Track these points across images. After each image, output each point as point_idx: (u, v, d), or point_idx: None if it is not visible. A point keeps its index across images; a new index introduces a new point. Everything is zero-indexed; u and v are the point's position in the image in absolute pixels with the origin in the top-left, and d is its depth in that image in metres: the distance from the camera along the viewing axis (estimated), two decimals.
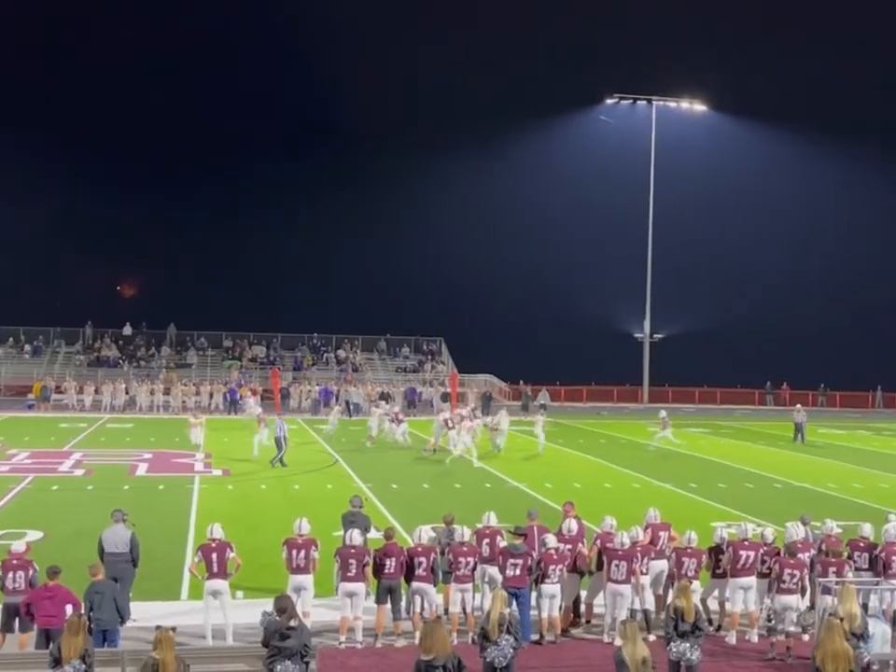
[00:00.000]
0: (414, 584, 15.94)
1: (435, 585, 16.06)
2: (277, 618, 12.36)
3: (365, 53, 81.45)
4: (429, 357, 74.55)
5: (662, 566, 16.80)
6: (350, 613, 15.64)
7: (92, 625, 13.40)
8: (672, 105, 76.74)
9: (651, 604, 16.58)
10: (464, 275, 78.27)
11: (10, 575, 14.52)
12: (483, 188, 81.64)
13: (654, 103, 76.30)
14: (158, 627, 11.59)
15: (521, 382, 68.38)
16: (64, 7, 77.69)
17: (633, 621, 12.50)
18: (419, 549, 16.10)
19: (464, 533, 16.49)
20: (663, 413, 44.36)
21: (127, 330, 73.41)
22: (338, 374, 68.36)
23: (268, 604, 13.32)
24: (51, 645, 12.54)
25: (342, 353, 73.69)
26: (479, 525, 17.16)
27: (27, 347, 70.62)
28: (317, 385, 60.97)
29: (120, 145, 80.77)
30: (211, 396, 58.06)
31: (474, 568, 16.12)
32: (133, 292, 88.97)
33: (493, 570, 16.42)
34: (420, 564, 15.93)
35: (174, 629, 11.59)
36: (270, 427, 36.63)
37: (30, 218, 76.16)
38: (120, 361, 69.37)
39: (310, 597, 15.88)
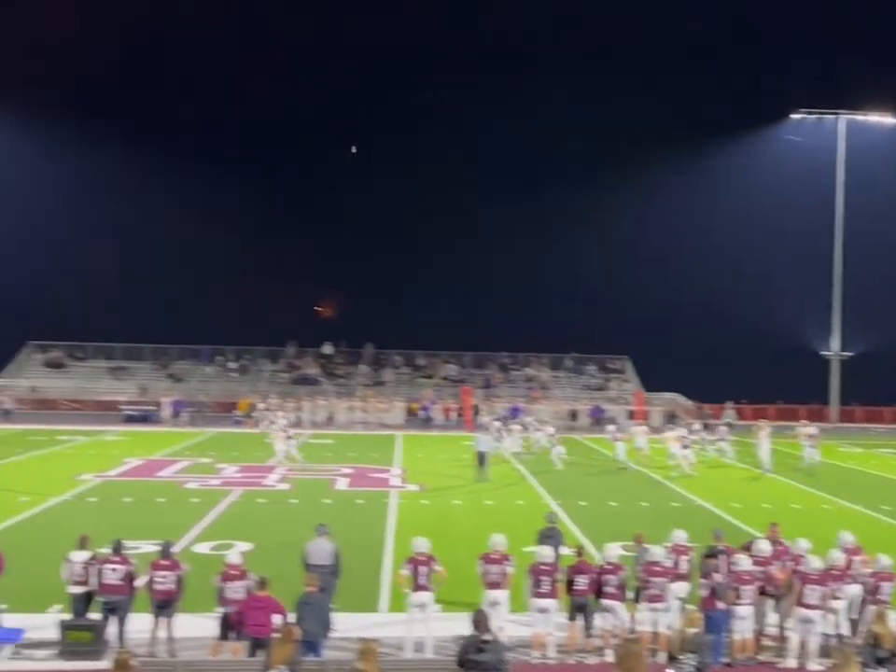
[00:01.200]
0: (605, 602, 15.80)
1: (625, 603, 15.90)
2: (474, 632, 12.40)
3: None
4: (614, 374, 74.01)
5: (855, 590, 16.25)
6: (542, 629, 15.59)
7: (301, 635, 13.68)
8: (860, 118, 74.64)
9: (846, 629, 16.04)
10: (649, 294, 77.42)
11: (229, 585, 14.92)
12: (669, 206, 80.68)
13: (841, 117, 74.50)
14: (361, 639, 11.76)
15: (703, 401, 67.18)
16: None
17: (846, 645, 12.08)
18: (609, 566, 15.96)
19: (655, 552, 16.27)
20: (811, 430, 42.90)
21: (327, 349, 75.00)
22: (526, 392, 68.40)
23: (464, 618, 13.38)
24: (261, 653, 12.86)
25: (529, 371, 73.78)
26: (668, 544, 16.93)
27: (234, 366, 72.89)
28: (506, 402, 61.19)
29: (324, 173, 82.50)
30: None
31: (665, 588, 15.89)
32: (331, 312, 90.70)
33: (680, 588, 16.16)
34: (610, 581, 15.79)
35: (376, 641, 11.74)
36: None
37: (236, 241, 78.48)
38: (321, 379, 70.92)
39: (505, 612, 15.88)
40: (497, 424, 43.79)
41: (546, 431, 43.31)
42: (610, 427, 43.55)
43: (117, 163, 75.05)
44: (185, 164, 76.49)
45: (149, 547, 19.64)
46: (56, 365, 71.71)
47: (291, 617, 13.99)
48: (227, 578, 14.98)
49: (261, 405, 56.94)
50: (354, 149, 56.11)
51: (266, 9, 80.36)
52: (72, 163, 73.95)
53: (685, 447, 38.58)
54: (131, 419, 57.75)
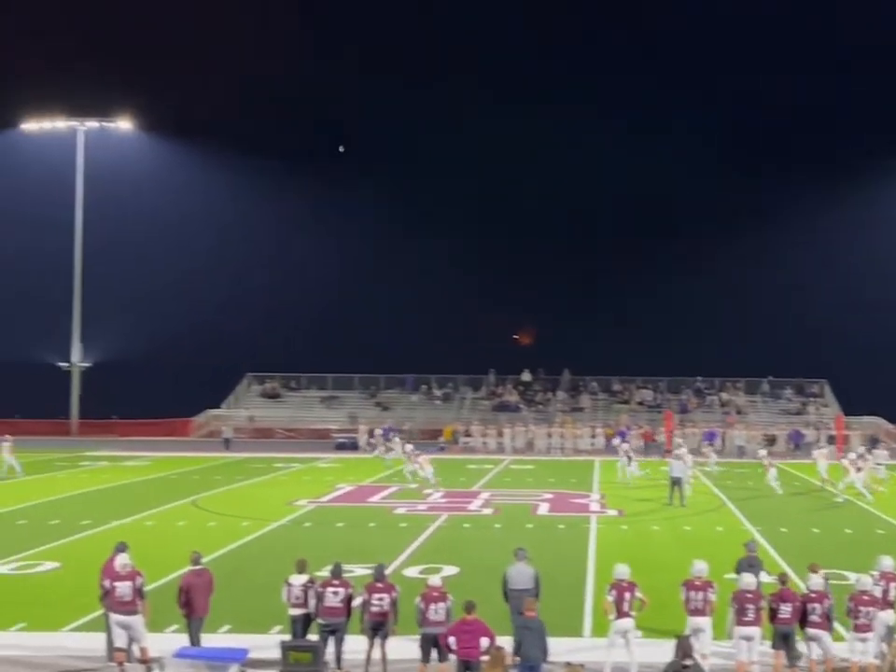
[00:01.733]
0: (809, 631, 15.39)
1: (829, 632, 15.44)
2: (676, 657, 12.28)
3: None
4: (812, 398, 71.88)
5: None
6: (746, 657, 15.28)
7: (519, 660, 13.76)
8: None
9: None
10: (847, 317, 74.97)
11: (432, 607, 15.14)
12: (867, 228, 78.14)
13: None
14: (567, 664, 11.79)
15: None
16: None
17: None
18: (814, 594, 15.54)
19: (864, 580, 15.75)
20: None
21: (526, 377, 75.28)
22: (721, 417, 67.12)
23: (663, 644, 13.25)
24: None
25: (725, 395, 72.36)
26: (875, 572, 16.36)
27: (438, 393, 73.88)
28: (703, 427, 60.17)
29: (524, 205, 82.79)
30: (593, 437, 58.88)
31: (873, 617, 15.35)
32: (529, 340, 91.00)
33: (888, 617, 15.60)
34: (814, 610, 15.37)
35: (582, 666, 11.75)
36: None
37: (437, 273, 79.69)
38: (520, 406, 71.19)
39: (708, 640, 15.63)
40: (684, 450, 43.04)
41: (758, 455, 42.31)
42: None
43: (325, 201, 77.24)
44: (385, 199, 78.07)
45: (362, 570, 20.08)
46: (272, 395, 74.08)
47: (500, 640, 14.07)
48: (428, 599, 15.18)
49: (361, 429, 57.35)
50: (341, 148, 55.88)
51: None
52: (281, 202, 76.59)
53: (858, 470, 36.98)
54: (341, 446, 59.13)
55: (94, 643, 16.54)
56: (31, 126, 71.10)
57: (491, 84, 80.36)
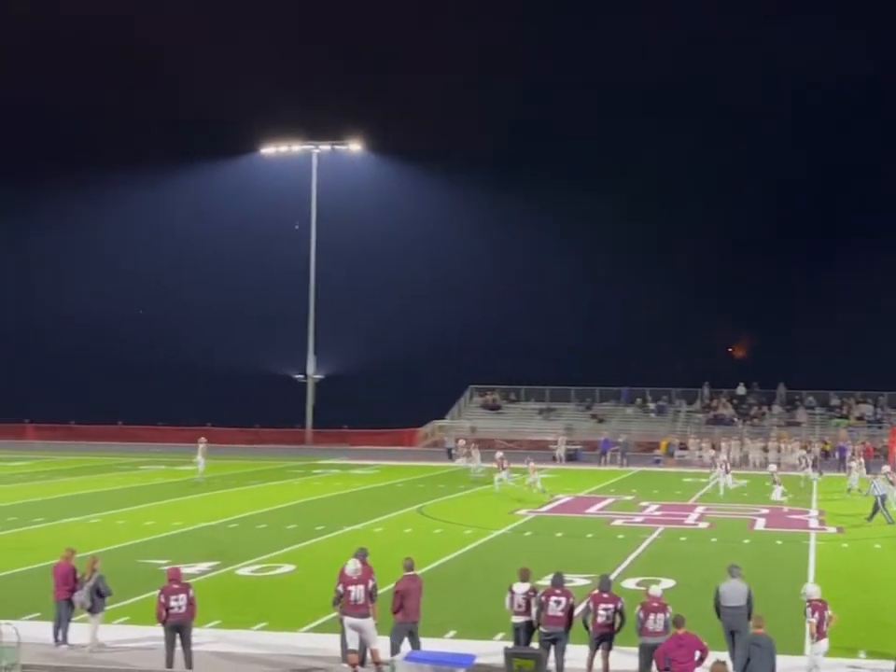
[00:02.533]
0: None
1: None
2: None
3: None
4: None
5: None
6: None
7: None
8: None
9: None
10: None
11: (651, 617, 14.98)
12: None
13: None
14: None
15: None
16: None
17: None
18: None
19: None
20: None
21: (740, 390, 73.59)
22: None
23: (885, 665, 12.77)
24: None
25: None
26: None
27: (653, 406, 73.03)
28: None
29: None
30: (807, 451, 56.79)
31: None
32: (743, 353, 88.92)
33: None
34: None
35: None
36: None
37: (654, 285, 78.75)
38: (735, 420, 69.62)
39: None
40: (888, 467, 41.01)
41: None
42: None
43: (540, 216, 77.54)
44: (598, 215, 77.59)
45: (581, 581, 20.09)
46: (493, 407, 74.79)
47: (715, 655, 13.86)
48: (648, 610, 15.06)
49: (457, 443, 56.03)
50: (297, 226, 55.10)
51: None
52: (500, 219, 77.23)
53: None
54: (560, 458, 59.13)
55: (329, 644, 17.13)
56: (269, 150, 74.04)
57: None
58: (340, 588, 16.35)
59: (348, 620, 16.14)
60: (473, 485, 44.52)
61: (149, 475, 46.09)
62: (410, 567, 16.86)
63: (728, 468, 41.96)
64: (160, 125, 78.91)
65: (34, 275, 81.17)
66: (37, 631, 17.46)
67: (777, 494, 38.07)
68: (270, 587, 22.50)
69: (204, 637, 17.04)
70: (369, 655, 16.21)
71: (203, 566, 23.75)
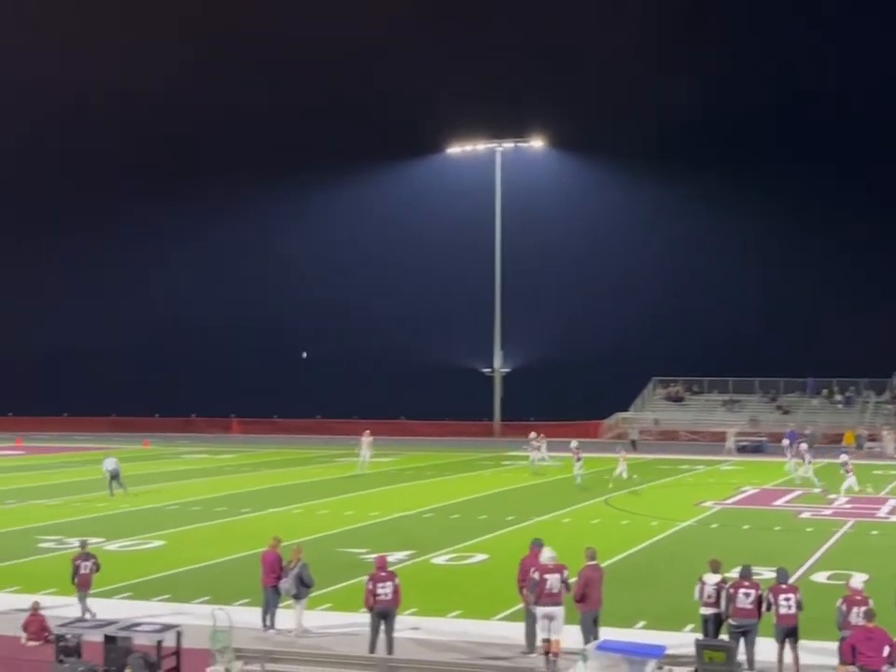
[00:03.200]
0: None
1: None
2: None
3: None
4: None
5: None
6: None
7: None
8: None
9: None
10: None
11: (854, 610, 14.24)
12: None
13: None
14: None
15: None
16: None
17: None
18: None
19: None
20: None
21: None
22: None
23: None
24: None
25: None
26: None
27: (839, 398, 70.52)
28: None
29: None
30: None
31: None
32: None
33: None
34: None
35: None
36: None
37: (840, 274, 76.08)
38: None
39: None
40: None
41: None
42: None
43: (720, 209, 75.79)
44: (789, 203, 75.30)
45: (769, 574, 19.57)
46: (676, 399, 73.61)
47: None
48: (851, 603, 14.52)
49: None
50: (305, 355, 52.54)
51: None
52: (686, 213, 75.83)
53: None
54: (743, 449, 57.81)
55: (514, 633, 17.20)
56: (455, 150, 74.68)
57: None
58: (536, 576, 16.34)
59: (543, 609, 16.14)
60: (658, 477, 43.89)
61: (347, 467, 47.17)
62: (592, 557, 16.75)
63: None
64: (343, 127, 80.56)
65: (234, 275, 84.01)
66: (248, 616, 18.13)
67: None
68: (463, 576, 22.76)
69: (403, 624, 17.36)
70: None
71: (400, 554, 24.19)
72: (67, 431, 70.29)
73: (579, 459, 40.38)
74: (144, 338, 79.81)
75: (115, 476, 37.60)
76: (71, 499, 35.86)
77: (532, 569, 16.55)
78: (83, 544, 20.19)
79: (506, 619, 18.61)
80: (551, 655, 15.94)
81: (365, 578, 17.28)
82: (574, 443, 42.29)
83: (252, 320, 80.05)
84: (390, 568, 17.13)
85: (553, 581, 16.12)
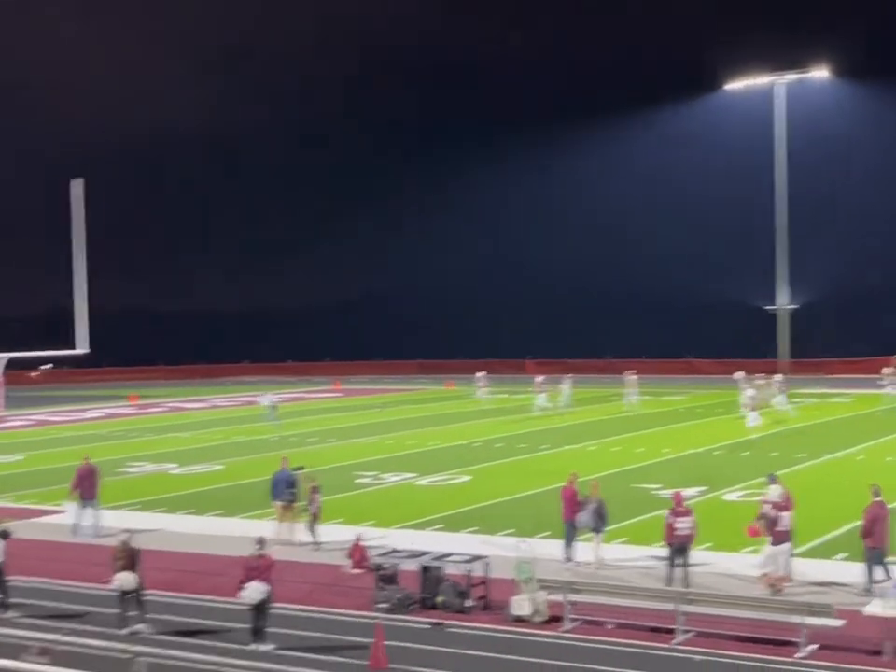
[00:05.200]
0: None
1: None
2: None
3: None
4: None
5: None
6: None
7: None
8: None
9: None
10: None
11: None
12: None
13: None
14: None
15: None
16: None
17: None
18: None
19: None
20: None
21: None
22: None
23: None
24: None
25: None
26: None
27: None
28: None
29: None
30: None
31: None
32: None
33: None
34: None
35: None
36: None
37: None
38: None
39: None
40: None
41: None
42: None
43: None
44: None
45: None
46: None
47: None
48: None
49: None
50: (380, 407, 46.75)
51: None
52: None
53: None
54: None
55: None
56: (734, 85, 71.48)
57: None
58: (771, 513, 16.36)
59: (780, 547, 16.14)
60: None
61: (638, 405, 46.81)
62: (877, 493, 16.26)
63: None
64: (624, 68, 78.85)
65: (526, 225, 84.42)
66: (549, 548, 18.46)
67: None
68: (755, 512, 22.19)
69: (697, 559, 17.18)
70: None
71: (692, 490, 23.86)
72: (378, 374, 73.53)
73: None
74: (451, 283, 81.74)
75: (273, 410, 42.64)
76: (385, 437, 37.56)
77: (766, 505, 16.65)
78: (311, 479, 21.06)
79: (801, 555, 18.02)
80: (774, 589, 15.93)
81: (663, 512, 17.24)
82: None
83: (548, 263, 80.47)
84: (686, 504, 17.03)
85: (786, 517, 16.11)
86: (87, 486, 21.94)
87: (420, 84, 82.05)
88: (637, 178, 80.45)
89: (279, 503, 20.65)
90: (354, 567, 18.41)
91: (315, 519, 20.28)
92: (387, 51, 79.61)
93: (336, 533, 20.66)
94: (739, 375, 43.58)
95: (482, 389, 51.01)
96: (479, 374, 52.24)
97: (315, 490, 20.39)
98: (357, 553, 18.55)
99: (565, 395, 45.76)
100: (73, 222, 48.23)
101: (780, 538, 16.19)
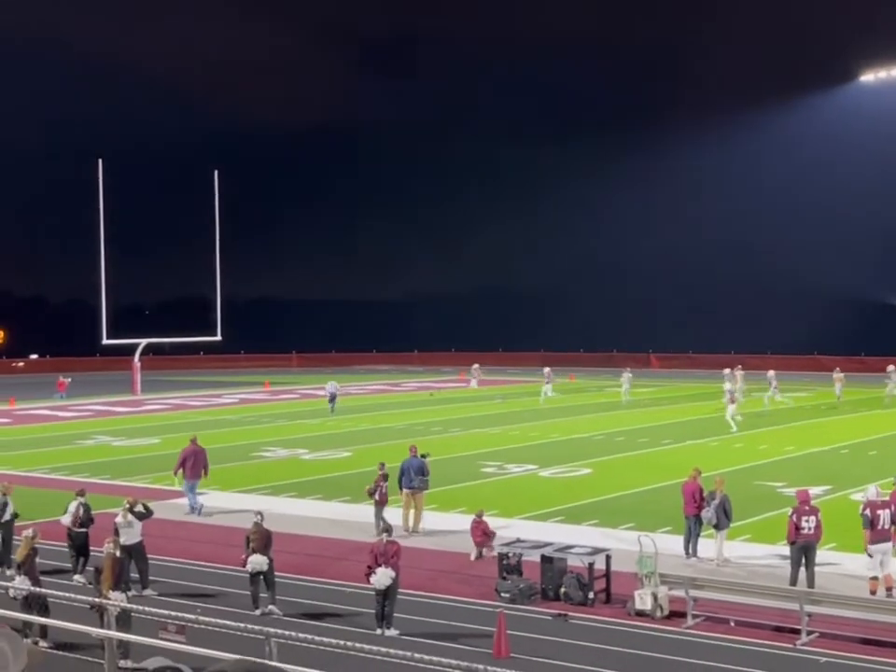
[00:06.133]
0: None
1: None
2: None
3: None
4: None
5: None
6: None
7: None
8: None
9: None
10: None
11: None
12: None
13: None
14: None
15: None
16: None
17: None
18: None
19: None
20: None
21: None
22: None
23: None
24: None
25: None
26: None
27: None
28: None
29: None
30: None
31: None
32: None
33: None
34: None
35: None
36: None
37: None
38: None
39: None
40: None
41: None
42: None
43: None
44: None
45: None
46: None
47: None
48: None
49: None
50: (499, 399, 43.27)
51: None
52: None
53: None
54: None
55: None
56: (868, 77, 68.92)
57: None
58: (868, 513, 15.83)
59: (878, 546, 15.61)
60: None
61: (758, 402, 45.74)
62: None
63: None
64: (746, 58, 77.02)
65: (638, 214, 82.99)
66: (670, 543, 18.23)
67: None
68: None
69: (822, 559, 16.75)
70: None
71: (818, 489, 23.25)
72: (501, 365, 73.58)
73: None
74: (570, 277, 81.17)
75: (332, 399, 42.50)
76: (508, 428, 37.58)
77: (864, 506, 16.20)
78: (381, 465, 21.00)
79: None
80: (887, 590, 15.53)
81: (787, 511, 16.87)
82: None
83: (670, 255, 79.17)
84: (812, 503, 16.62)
85: (884, 516, 15.69)
86: (189, 466, 23.02)
87: None
88: (770, 172, 78.64)
89: (407, 491, 20.82)
90: (478, 544, 18.42)
91: (382, 505, 20.29)
92: None
93: (460, 521, 20.76)
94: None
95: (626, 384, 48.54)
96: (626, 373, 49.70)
97: (384, 478, 20.46)
98: (479, 529, 18.57)
99: (625, 388, 46.63)
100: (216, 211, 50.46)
101: (878, 537, 15.64)
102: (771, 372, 43.95)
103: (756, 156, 78.01)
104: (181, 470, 23.22)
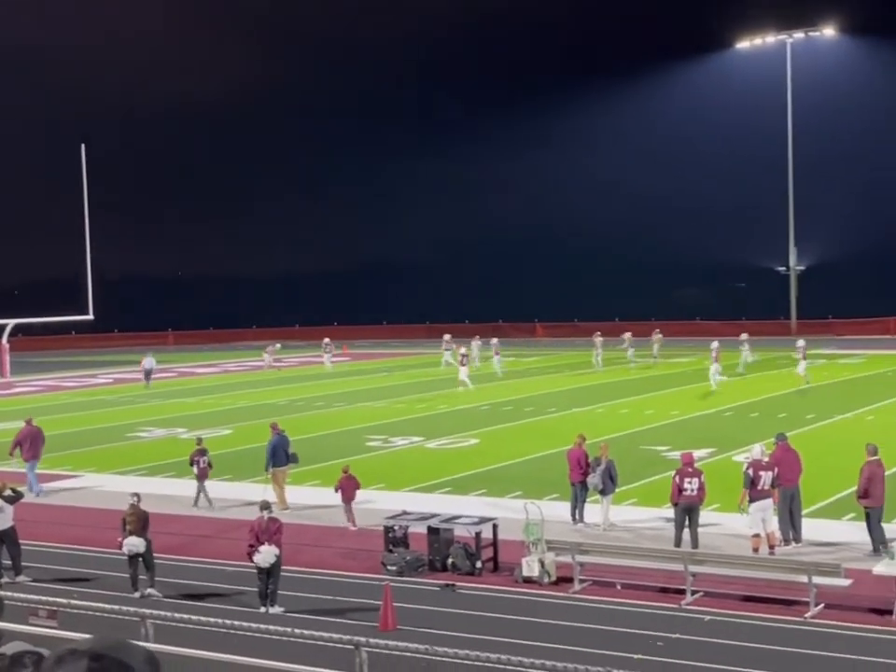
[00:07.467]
0: None
1: None
2: None
3: None
4: None
5: None
6: None
7: None
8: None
9: None
10: None
11: None
12: None
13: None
14: None
15: None
16: None
17: None
18: None
19: None
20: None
21: None
22: None
23: None
24: None
25: None
26: None
27: None
28: None
29: None
30: None
31: None
32: None
33: None
34: None
35: None
36: None
37: None
38: None
39: None
40: None
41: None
42: None
43: None
44: None
45: None
46: None
47: None
48: None
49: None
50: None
51: None
52: None
53: None
54: None
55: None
56: (743, 44, 70.62)
57: None
58: (750, 471, 16.33)
59: (759, 503, 16.15)
60: None
61: (643, 368, 46.76)
62: (874, 452, 16.34)
63: None
64: (629, 25, 78.37)
65: (541, 189, 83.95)
66: (557, 510, 18.47)
67: None
68: None
69: (706, 520, 17.17)
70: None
71: (702, 452, 23.82)
72: (386, 338, 73.49)
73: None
74: (455, 249, 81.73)
75: (148, 374, 43.96)
76: (393, 401, 37.55)
77: (747, 465, 16.72)
78: (199, 440, 21.92)
79: (809, 515, 18.02)
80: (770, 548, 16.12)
81: (670, 473, 17.23)
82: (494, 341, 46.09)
83: (551, 226, 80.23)
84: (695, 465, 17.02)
85: (766, 477, 16.23)
86: (27, 448, 22.83)
87: None
88: (647, 139, 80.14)
89: (279, 469, 20.57)
90: (347, 500, 18.55)
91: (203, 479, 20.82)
92: None
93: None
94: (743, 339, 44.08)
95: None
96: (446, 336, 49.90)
97: (201, 453, 20.95)
98: (351, 484, 18.64)
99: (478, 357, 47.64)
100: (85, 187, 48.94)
101: (759, 495, 16.13)
102: (715, 343, 42.86)
103: (641, 123, 79.52)
104: (17, 450, 22.93)
